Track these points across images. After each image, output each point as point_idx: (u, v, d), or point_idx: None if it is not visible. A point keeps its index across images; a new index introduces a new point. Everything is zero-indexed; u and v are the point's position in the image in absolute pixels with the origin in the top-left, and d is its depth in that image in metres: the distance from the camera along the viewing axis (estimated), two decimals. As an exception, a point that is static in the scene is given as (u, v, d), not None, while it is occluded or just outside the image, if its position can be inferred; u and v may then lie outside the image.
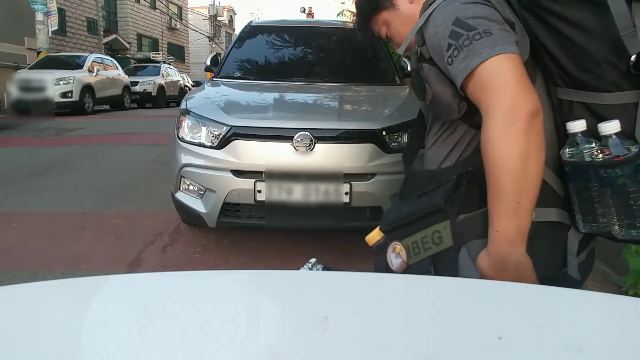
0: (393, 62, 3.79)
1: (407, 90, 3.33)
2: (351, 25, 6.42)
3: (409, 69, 3.70)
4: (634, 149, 0.69)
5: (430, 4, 0.85)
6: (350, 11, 16.62)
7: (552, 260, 0.83)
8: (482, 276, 0.79)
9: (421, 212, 0.86)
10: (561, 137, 0.81)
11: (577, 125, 0.75)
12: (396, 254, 0.88)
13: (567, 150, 0.75)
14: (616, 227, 0.72)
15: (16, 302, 0.58)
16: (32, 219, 3.44)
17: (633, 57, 0.70)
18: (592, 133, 0.74)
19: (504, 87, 0.72)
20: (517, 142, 0.70)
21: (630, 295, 1.92)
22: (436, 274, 0.83)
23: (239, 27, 11.08)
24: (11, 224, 3.32)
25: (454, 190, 0.84)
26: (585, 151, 0.73)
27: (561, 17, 0.75)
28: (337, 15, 17.16)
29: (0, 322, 0.53)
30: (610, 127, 0.71)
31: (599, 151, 0.71)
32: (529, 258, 0.76)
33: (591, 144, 0.73)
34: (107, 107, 13.58)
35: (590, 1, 0.72)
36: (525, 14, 0.80)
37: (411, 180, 1.01)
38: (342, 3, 18.77)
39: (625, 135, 0.71)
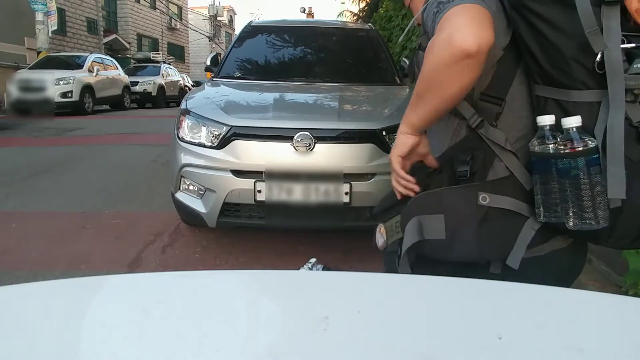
0: (393, 62, 3.79)
1: (407, 90, 3.33)
2: (351, 25, 6.44)
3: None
4: (590, 144, 0.75)
5: None
6: (350, 11, 16.63)
7: (498, 246, 0.87)
8: None
9: (394, 200, 0.97)
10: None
11: (546, 119, 0.79)
12: (380, 234, 0.99)
13: (534, 142, 0.80)
14: (570, 217, 0.77)
15: (16, 302, 0.58)
16: (32, 219, 3.44)
17: (598, 57, 0.74)
18: (559, 129, 0.79)
19: (455, 19, 0.76)
20: (438, 66, 0.77)
21: (630, 295, 1.92)
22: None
23: (239, 27, 11.09)
24: (11, 224, 3.32)
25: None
26: (549, 143, 0.78)
27: (539, 16, 0.79)
28: (337, 15, 17.18)
29: (0, 322, 0.53)
30: (572, 121, 0.76)
31: (561, 145, 0.77)
32: (409, 138, 0.90)
33: (556, 138, 0.78)
34: (107, 107, 13.58)
35: (562, 1, 0.76)
36: (513, 13, 0.84)
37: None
38: (342, 3, 18.80)
39: (586, 131, 0.76)
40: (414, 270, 0.93)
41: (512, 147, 0.88)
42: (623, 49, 0.73)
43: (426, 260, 0.92)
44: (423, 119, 0.87)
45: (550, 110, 0.81)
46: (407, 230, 0.90)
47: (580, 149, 0.74)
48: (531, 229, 0.86)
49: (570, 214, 0.77)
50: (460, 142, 0.92)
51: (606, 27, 0.72)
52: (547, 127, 0.79)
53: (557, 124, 0.79)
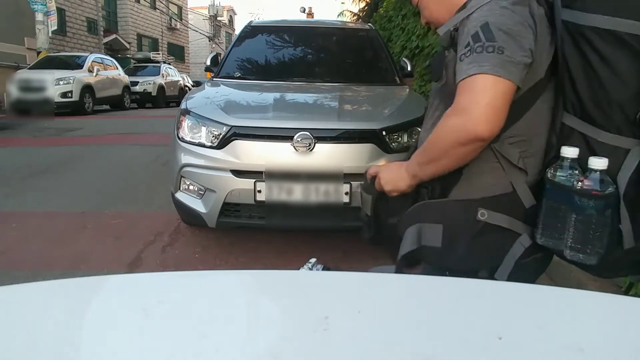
0: (393, 62, 3.79)
1: (407, 90, 3.33)
2: (351, 25, 6.44)
3: (409, 68, 3.71)
4: (610, 189, 0.77)
5: None
6: (350, 11, 16.64)
7: (488, 259, 0.92)
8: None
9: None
10: (550, 158, 0.89)
11: (571, 152, 0.81)
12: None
13: (553, 171, 0.82)
14: (568, 247, 0.81)
15: (16, 302, 0.58)
16: (32, 219, 3.44)
17: None
18: (580, 163, 0.81)
19: (478, 102, 0.80)
20: (451, 144, 0.84)
21: (630, 295, 1.92)
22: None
23: (239, 27, 11.09)
24: (11, 224, 3.32)
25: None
26: (569, 177, 0.80)
27: (597, 52, 0.79)
28: (337, 15, 17.18)
29: (0, 322, 0.53)
30: (600, 163, 0.78)
31: (580, 180, 0.79)
32: (409, 183, 0.96)
33: (575, 171, 0.80)
34: (107, 107, 13.57)
35: (632, 49, 0.76)
36: (565, 35, 0.83)
37: None
38: (342, 3, 18.80)
39: (607, 174, 0.78)
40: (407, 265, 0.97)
41: (523, 165, 0.89)
42: None
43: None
44: (429, 176, 0.93)
45: (574, 142, 0.83)
46: (406, 235, 0.94)
47: (604, 193, 0.76)
48: (521, 246, 0.89)
49: (568, 244, 0.80)
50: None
51: None
52: (569, 160, 0.80)
53: (579, 158, 0.81)
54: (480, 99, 0.80)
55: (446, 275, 0.93)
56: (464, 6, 0.91)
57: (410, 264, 0.97)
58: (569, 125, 0.85)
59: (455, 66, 0.87)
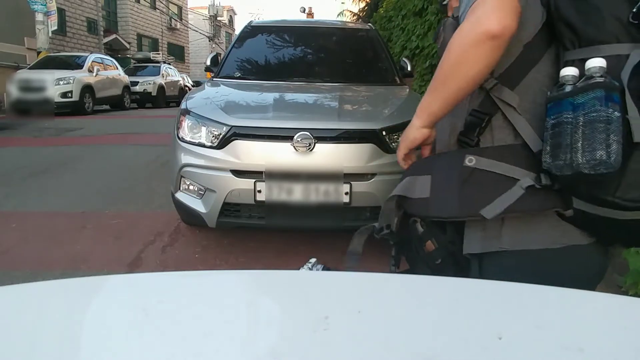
0: (393, 62, 3.79)
1: (407, 90, 3.33)
2: (351, 25, 6.44)
3: (409, 68, 3.71)
4: (612, 82, 0.73)
5: None
6: (350, 11, 16.64)
7: (477, 204, 0.86)
8: None
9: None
10: None
11: (569, 70, 0.78)
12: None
13: (552, 90, 0.80)
14: (584, 161, 0.73)
15: (16, 302, 0.58)
16: (32, 219, 3.44)
17: (635, 8, 0.75)
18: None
19: (481, 6, 0.80)
20: (463, 46, 0.81)
21: (630, 295, 1.92)
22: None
23: (239, 27, 11.08)
24: (11, 224, 3.32)
25: None
26: (567, 85, 0.77)
27: None
28: (337, 15, 17.18)
29: (0, 322, 0.53)
30: (596, 61, 0.75)
31: (581, 83, 0.75)
32: (423, 129, 0.93)
33: (575, 84, 0.77)
34: (107, 107, 13.57)
35: None
36: None
37: None
38: (342, 3, 18.80)
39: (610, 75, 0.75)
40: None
41: (524, 113, 0.87)
42: None
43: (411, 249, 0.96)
44: (445, 103, 0.88)
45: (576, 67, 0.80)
46: (397, 186, 0.94)
47: (602, 81, 0.72)
48: (520, 188, 0.84)
49: (581, 154, 0.73)
50: (473, 112, 0.90)
51: None
52: (569, 78, 0.77)
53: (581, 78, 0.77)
54: (482, 3, 0.79)
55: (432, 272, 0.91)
56: None
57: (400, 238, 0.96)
58: (570, 59, 0.82)
59: (454, 29, 0.86)
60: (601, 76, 0.73)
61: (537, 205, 0.85)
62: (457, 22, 0.90)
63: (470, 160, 0.87)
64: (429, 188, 0.90)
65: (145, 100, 15.86)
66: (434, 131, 0.96)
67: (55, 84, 10.98)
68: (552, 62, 0.89)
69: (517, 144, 0.87)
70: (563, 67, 0.82)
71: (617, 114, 0.72)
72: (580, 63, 0.79)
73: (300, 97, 3.04)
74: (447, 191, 0.88)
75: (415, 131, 0.94)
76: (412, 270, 1.03)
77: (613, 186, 0.76)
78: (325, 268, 0.80)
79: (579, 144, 0.73)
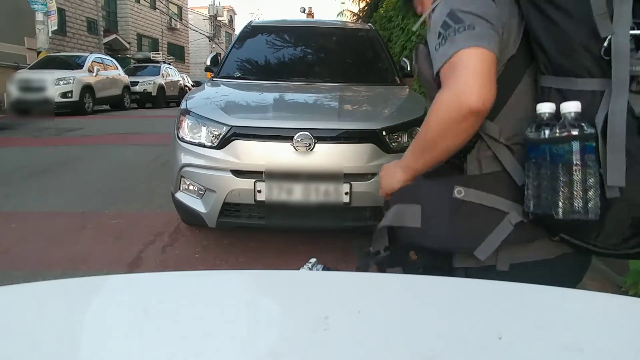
0: (393, 62, 3.79)
1: (407, 90, 3.33)
2: (351, 25, 6.44)
3: (409, 68, 3.71)
4: (587, 130, 0.73)
5: None
6: (350, 11, 16.64)
7: (468, 238, 0.88)
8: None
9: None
10: None
11: (546, 107, 0.78)
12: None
13: (531, 129, 0.79)
14: (560, 208, 0.75)
15: (16, 302, 0.58)
16: (32, 219, 3.44)
17: (606, 43, 0.73)
18: (558, 118, 0.78)
19: (463, 75, 0.78)
20: (446, 123, 0.80)
21: (630, 295, 1.92)
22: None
23: (239, 27, 11.08)
24: (11, 224, 3.32)
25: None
26: (545, 129, 0.76)
27: (551, 2, 0.80)
28: (337, 15, 17.18)
29: (0, 322, 0.53)
30: (571, 106, 0.75)
31: (557, 130, 0.75)
32: (404, 178, 0.95)
33: (553, 124, 0.76)
34: (107, 107, 13.57)
35: None
36: (527, 5, 0.85)
37: None
38: (342, 3, 18.80)
39: (587, 120, 0.75)
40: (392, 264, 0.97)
41: (507, 141, 0.88)
42: (632, 35, 0.72)
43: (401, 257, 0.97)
44: (427, 166, 0.91)
45: (552, 99, 0.80)
46: (387, 216, 0.94)
47: (576, 133, 0.73)
48: (509, 224, 0.85)
49: (560, 203, 0.74)
50: None
51: (617, 12, 0.72)
52: (547, 115, 0.78)
53: (557, 113, 0.77)
54: (465, 70, 0.78)
55: (421, 273, 0.93)
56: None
57: (393, 261, 0.96)
58: (546, 86, 0.83)
59: (427, 59, 0.88)
60: (575, 124, 0.73)
61: (527, 237, 0.87)
62: (427, 48, 0.90)
63: (459, 192, 0.87)
64: (420, 218, 0.90)
65: (145, 100, 15.86)
66: None
67: (55, 84, 10.98)
68: (531, 82, 0.89)
69: (502, 171, 0.88)
70: (539, 97, 0.83)
71: (593, 165, 0.73)
72: (556, 93, 0.81)
73: (300, 97, 3.04)
74: (438, 223, 0.89)
75: (396, 183, 0.96)
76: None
77: (593, 233, 0.79)
78: (325, 268, 0.80)
79: (558, 194, 0.75)
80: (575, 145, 0.73)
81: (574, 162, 0.73)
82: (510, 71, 0.88)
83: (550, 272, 0.89)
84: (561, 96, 0.80)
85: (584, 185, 0.73)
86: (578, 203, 0.74)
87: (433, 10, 0.88)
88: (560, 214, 0.75)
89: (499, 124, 0.88)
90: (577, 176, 0.73)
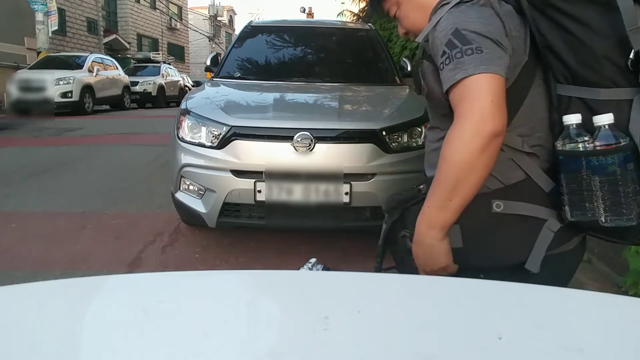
0: (393, 62, 3.79)
1: (407, 90, 3.33)
2: (351, 25, 6.44)
3: (409, 68, 3.71)
4: (623, 141, 0.76)
5: (443, 5, 0.89)
6: (350, 11, 16.63)
7: (516, 251, 0.88)
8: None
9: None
10: (556, 134, 0.87)
11: (573, 118, 0.80)
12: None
13: (562, 141, 0.81)
14: (603, 215, 0.78)
15: (16, 302, 0.58)
16: (32, 219, 3.44)
17: (632, 55, 0.75)
18: (586, 127, 0.80)
19: (479, 103, 0.78)
20: (472, 153, 0.78)
21: (630, 295, 1.92)
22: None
23: (239, 27, 11.08)
24: (11, 224, 3.32)
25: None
26: (579, 141, 0.79)
27: (568, 15, 0.80)
28: (337, 15, 17.16)
29: (0, 322, 0.53)
30: (604, 118, 0.77)
31: (592, 142, 0.78)
32: (445, 243, 0.85)
33: (585, 136, 0.79)
34: (107, 107, 13.55)
35: (597, 1, 0.78)
36: (535, 13, 0.85)
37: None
38: (342, 3, 18.79)
39: (617, 128, 0.78)
40: None
41: (530, 149, 0.88)
42: None
43: None
44: (458, 212, 0.83)
45: (575, 109, 0.82)
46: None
47: (619, 145, 0.75)
48: (549, 231, 0.86)
49: (602, 211, 0.77)
50: None
51: None
52: (574, 126, 0.80)
53: (583, 123, 0.80)
54: (479, 99, 0.79)
55: (482, 277, 0.90)
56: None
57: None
58: (565, 94, 0.84)
59: (434, 75, 0.88)
60: (612, 135, 0.76)
61: (566, 239, 0.89)
62: (429, 60, 0.90)
63: (498, 206, 0.87)
64: (460, 238, 0.88)
65: (145, 100, 15.85)
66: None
67: (55, 84, 10.97)
68: (542, 85, 0.89)
69: (527, 178, 0.88)
70: (558, 106, 0.85)
71: (634, 172, 0.76)
72: (578, 102, 0.82)
73: (300, 97, 3.04)
74: (481, 242, 0.88)
75: (437, 247, 0.86)
76: (398, 267, 1.05)
77: (632, 233, 0.83)
78: (325, 268, 0.80)
79: (600, 203, 0.78)
80: (619, 157, 0.76)
81: (618, 173, 0.76)
82: (524, 76, 0.88)
83: (565, 262, 0.92)
84: (584, 105, 0.81)
85: (627, 192, 0.76)
86: (624, 210, 0.77)
87: (435, 27, 0.88)
88: (609, 221, 0.78)
89: (514, 131, 0.88)
90: (622, 185, 0.76)
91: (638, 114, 0.77)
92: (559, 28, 0.82)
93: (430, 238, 0.85)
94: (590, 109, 0.81)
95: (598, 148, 0.77)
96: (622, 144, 0.76)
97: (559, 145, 0.81)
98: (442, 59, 0.83)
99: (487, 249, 0.89)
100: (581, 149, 0.78)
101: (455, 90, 0.82)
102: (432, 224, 0.84)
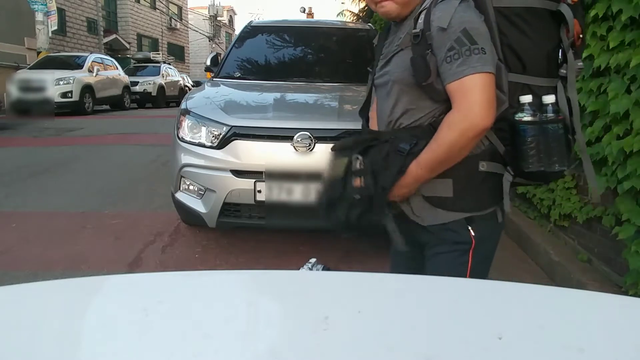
0: (393, 62, 3.78)
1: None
2: (351, 25, 6.44)
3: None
4: (561, 114, 1.07)
5: None
6: (350, 11, 16.63)
7: (491, 199, 1.11)
8: None
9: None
10: (499, 110, 1.07)
11: (527, 98, 1.05)
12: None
13: (520, 115, 1.05)
14: (554, 163, 1.04)
15: (16, 302, 0.58)
16: (32, 219, 3.44)
17: (561, 56, 1.07)
18: (531, 106, 1.05)
19: (478, 98, 0.97)
20: (464, 142, 0.99)
21: (630, 295, 1.92)
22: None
23: (239, 27, 11.08)
24: (11, 224, 3.32)
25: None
26: (534, 115, 1.05)
27: (526, 21, 1.04)
28: (337, 15, 17.17)
29: (0, 322, 0.53)
30: (550, 98, 1.06)
31: (545, 115, 1.05)
32: (411, 191, 1.10)
33: (535, 111, 1.04)
34: (107, 107, 13.56)
35: (544, 15, 1.05)
36: (501, 19, 1.04)
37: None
38: (342, 3, 18.78)
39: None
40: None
41: (495, 125, 1.07)
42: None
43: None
44: (438, 173, 1.06)
45: (524, 92, 1.06)
46: (420, 187, 1.11)
47: (561, 117, 1.06)
48: (508, 182, 1.10)
49: (555, 159, 1.04)
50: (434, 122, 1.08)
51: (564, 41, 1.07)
52: (527, 104, 1.05)
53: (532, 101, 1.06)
54: (480, 96, 0.96)
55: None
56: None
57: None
58: (517, 81, 1.05)
59: (441, 65, 1.00)
60: (554, 109, 1.05)
61: (513, 189, 1.13)
62: (430, 50, 1.02)
63: (483, 166, 1.08)
64: (452, 189, 1.09)
65: (145, 100, 15.84)
66: None
67: (55, 84, 10.97)
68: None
69: (490, 144, 1.09)
70: (512, 90, 1.06)
71: (568, 135, 1.09)
72: (525, 87, 1.06)
73: (300, 97, 3.04)
74: (468, 192, 1.09)
75: (411, 187, 1.09)
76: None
77: (554, 177, 1.18)
78: (325, 268, 0.80)
79: (552, 154, 1.04)
80: (560, 124, 1.05)
81: (563, 134, 1.05)
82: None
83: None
84: (529, 89, 1.06)
85: (568, 147, 1.07)
86: (567, 159, 1.06)
87: (431, 12, 1.02)
88: (557, 168, 1.05)
89: None
90: (565, 143, 1.06)
91: (562, 97, 1.07)
92: (519, 30, 1.03)
93: (414, 186, 1.09)
94: (533, 92, 1.05)
95: (551, 118, 1.04)
96: (562, 115, 1.05)
97: (518, 117, 1.04)
98: (450, 53, 0.98)
99: (473, 199, 1.10)
100: (540, 120, 1.04)
101: (458, 83, 0.98)
102: (419, 177, 1.07)
